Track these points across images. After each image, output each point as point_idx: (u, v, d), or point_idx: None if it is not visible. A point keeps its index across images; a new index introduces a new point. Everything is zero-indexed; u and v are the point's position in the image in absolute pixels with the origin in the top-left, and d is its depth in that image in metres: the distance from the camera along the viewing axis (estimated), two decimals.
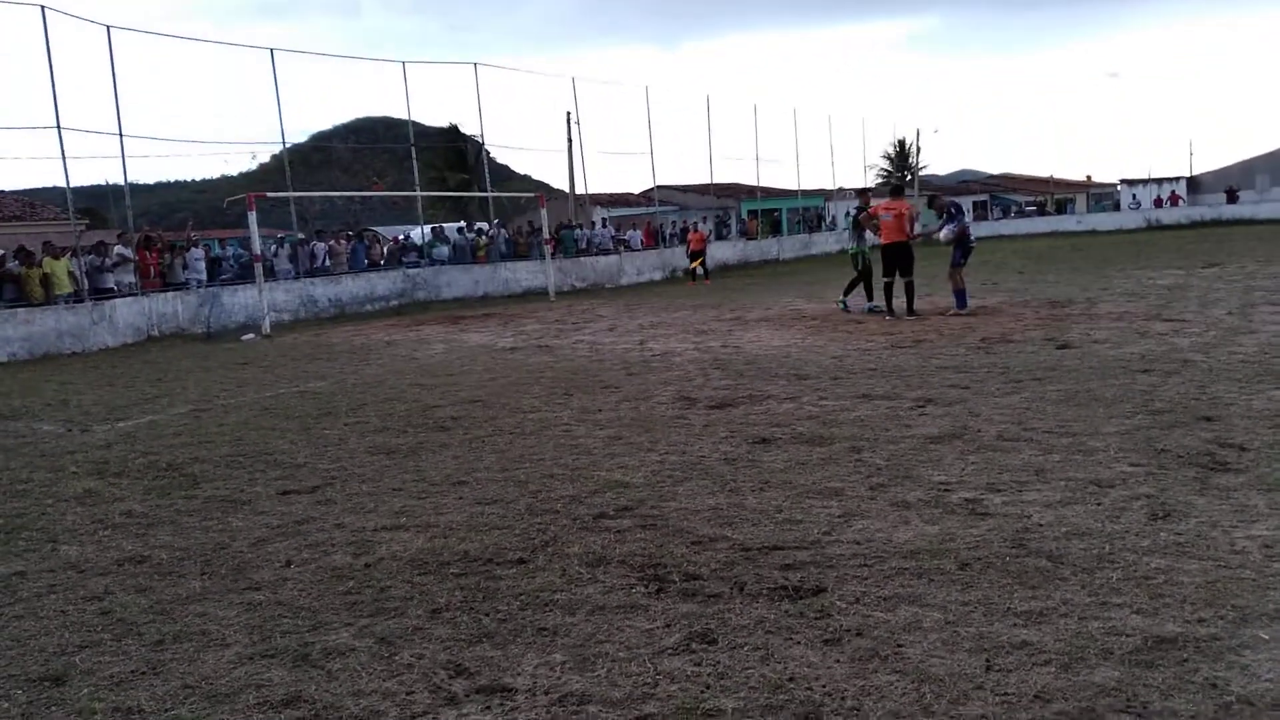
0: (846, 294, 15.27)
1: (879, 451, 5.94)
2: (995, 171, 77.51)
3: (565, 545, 4.48)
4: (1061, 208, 56.00)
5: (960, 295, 13.63)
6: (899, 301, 13.58)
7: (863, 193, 17.06)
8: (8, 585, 4.43)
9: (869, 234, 14.66)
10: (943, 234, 13.86)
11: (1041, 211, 54.25)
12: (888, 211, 13.77)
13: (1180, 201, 49.88)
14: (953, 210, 14.22)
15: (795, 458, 5.92)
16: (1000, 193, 64.75)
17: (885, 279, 13.74)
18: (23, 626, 3.90)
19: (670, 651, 3.31)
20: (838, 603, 3.64)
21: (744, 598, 3.75)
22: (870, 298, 14.79)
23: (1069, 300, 14.43)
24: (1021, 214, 54.81)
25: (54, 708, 3.16)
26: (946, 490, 5.03)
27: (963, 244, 13.78)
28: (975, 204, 59.62)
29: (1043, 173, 70.07)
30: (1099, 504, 4.65)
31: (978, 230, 41.89)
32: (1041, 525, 4.39)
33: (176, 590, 4.26)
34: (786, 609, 3.61)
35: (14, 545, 5.09)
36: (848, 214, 46.94)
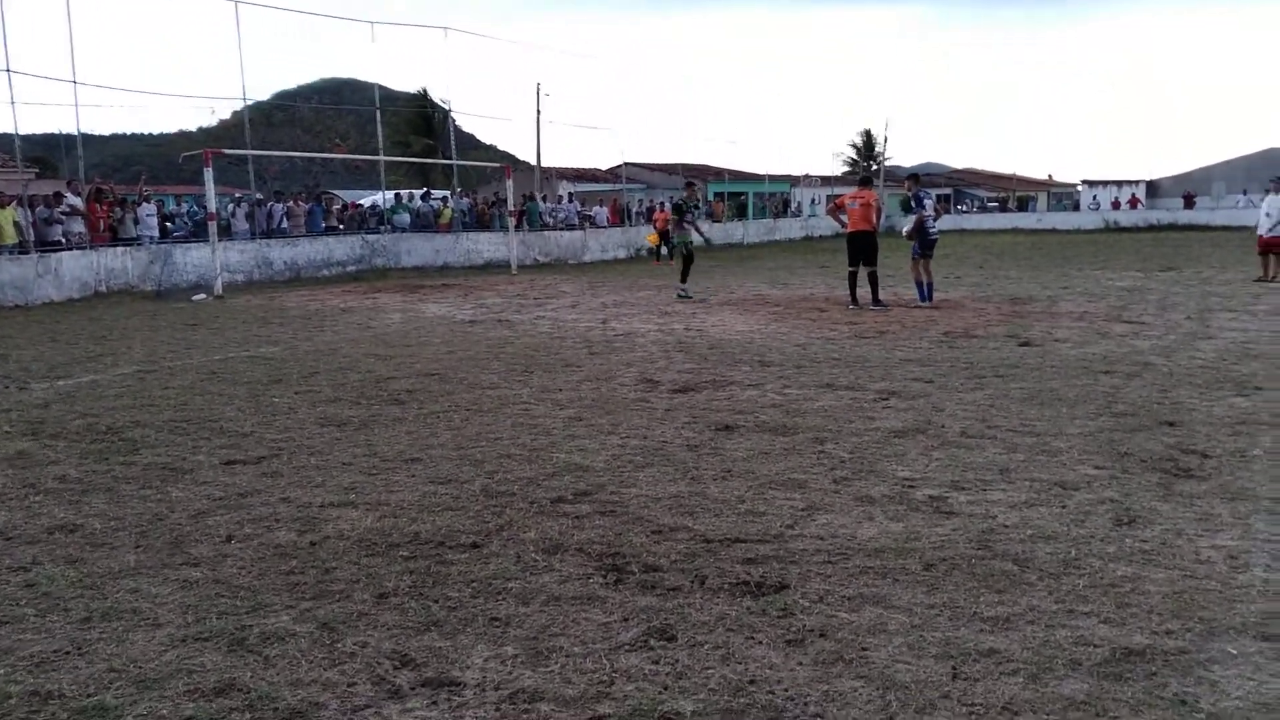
0: (684, 280, 16.02)
1: (843, 443, 5.86)
2: (959, 166, 78.09)
3: (521, 530, 4.33)
4: (1023, 205, 56.54)
5: (920, 287, 13.61)
6: (863, 291, 13.54)
7: (690, 185, 18.03)
8: None
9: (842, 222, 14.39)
10: (904, 229, 13.83)
11: (1003, 208, 54.73)
12: (855, 200, 13.66)
13: (1139, 204, 50.60)
14: (913, 202, 14.05)
15: (758, 447, 5.81)
16: (963, 187, 65.25)
17: (850, 268, 13.69)
18: None
19: (627, 648, 3.18)
20: (801, 601, 3.53)
21: (705, 592, 3.63)
22: (684, 282, 15.93)
23: (1030, 297, 14.50)
24: (984, 209, 55.25)
25: None
26: (911, 486, 4.95)
27: (922, 235, 13.71)
28: (939, 197, 60.09)
29: (1006, 169, 70.75)
30: (1064, 507, 4.59)
31: (941, 224, 42.31)
32: (1007, 527, 4.32)
33: (108, 563, 4.04)
34: (748, 606, 3.50)
35: None
36: (815, 201, 47.03)
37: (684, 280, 16.05)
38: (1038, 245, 31.90)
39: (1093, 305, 13.28)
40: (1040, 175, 71.93)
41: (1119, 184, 55.44)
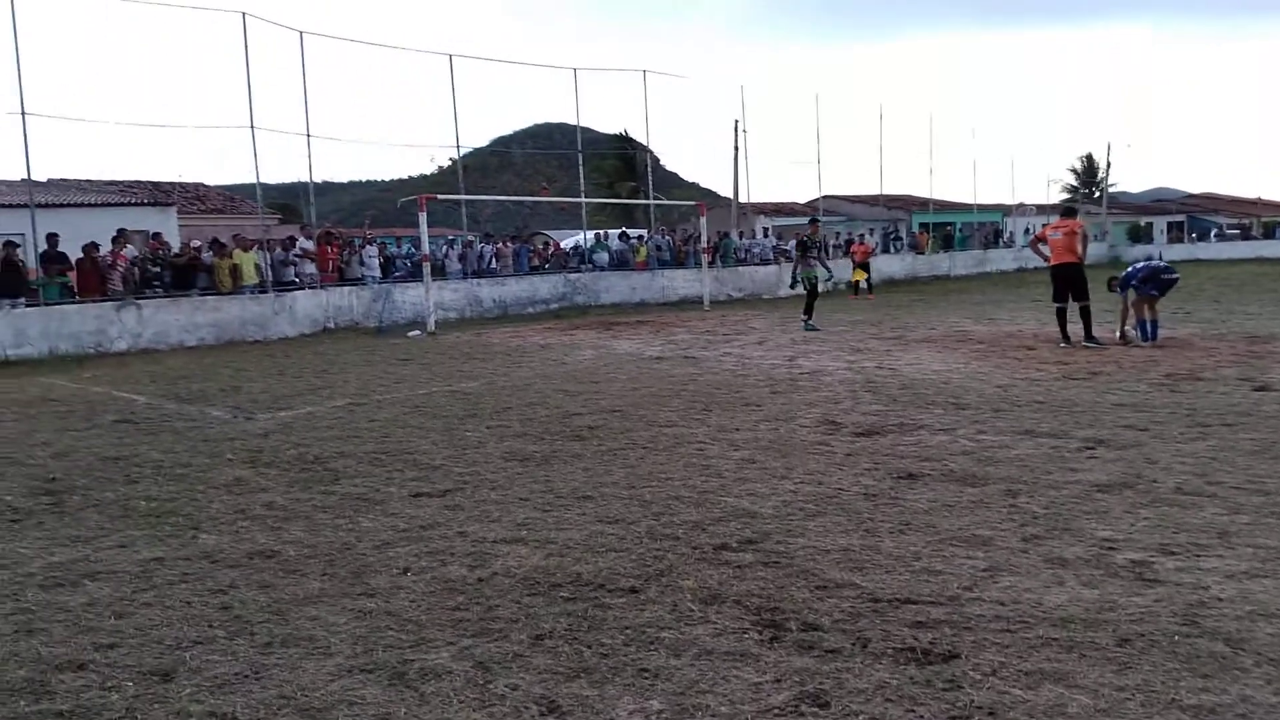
0: (808, 314, 16.56)
1: (1037, 497, 5.43)
2: (1195, 190, 71.93)
3: (681, 577, 4.27)
4: (1270, 232, 51.31)
5: (1145, 325, 12.54)
6: (1073, 327, 12.64)
7: (814, 223, 19.07)
8: (145, 571, 4.61)
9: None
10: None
11: (1245, 235, 49.90)
12: (1057, 230, 12.81)
13: None
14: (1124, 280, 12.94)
15: (942, 498, 5.49)
16: (1199, 214, 60.08)
17: (1057, 303, 12.83)
18: (149, 615, 4.02)
19: (777, 712, 3.04)
20: (971, 673, 3.27)
21: (866, 656, 3.43)
22: (809, 316, 16.54)
23: (1271, 335, 13.06)
24: (1222, 237, 50.59)
25: (156, 705, 3.19)
26: (1111, 549, 4.51)
27: (1155, 280, 12.60)
28: (1170, 225, 55.63)
29: (1250, 193, 64.59)
30: None
31: (1170, 254, 39.03)
32: (1221, 600, 3.84)
33: (295, 590, 4.31)
34: (912, 674, 3.27)
35: (160, 530, 5.32)
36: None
37: (809, 314, 16.62)
38: None
39: None
40: None
41: None
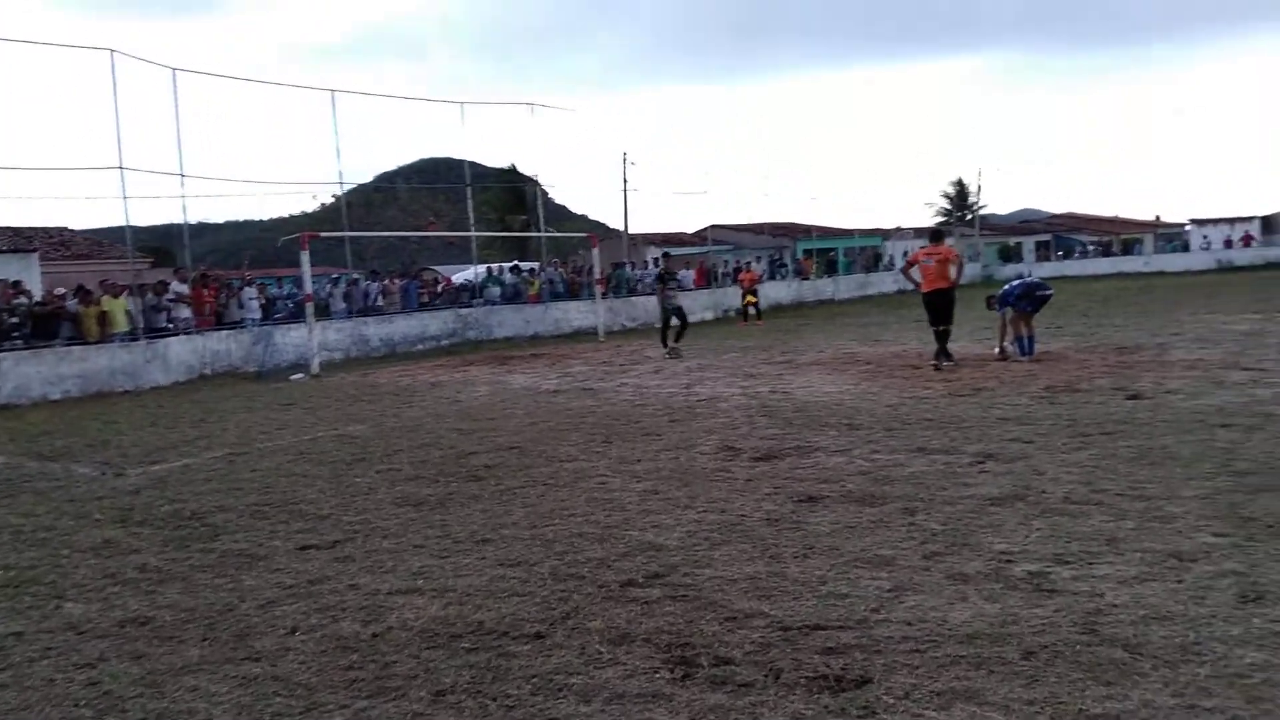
0: (666, 340, 17.63)
1: (934, 514, 5.51)
2: (1058, 211, 75.84)
3: (587, 618, 4.13)
4: (1128, 248, 54.50)
5: (1022, 341, 12.99)
6: (952, 347, 12.94)
7: (667, 256, 21.27)
8: (1, 648, 4.21)
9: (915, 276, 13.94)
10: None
11: (1106, 252, 52.86)
12: (930, 257, 12.80)
13: (1253, 242, 48.25)
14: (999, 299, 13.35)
15: (843, 519, 5.50)
16: (1063, 233, 63.35)
17: (935, 327, 12.87)
18: (5, 698, 3.66)
19: None
20: (884, 697, 3.23)
21: (779, 688, 3.36)
22: (664, 344, 17.60)
23: (1138, 346, 13.77)
24: (1085, 255, 53.46)
25: None
26: (1008, 561, 4.59)
27: (1030, 297, 13.06)
28: (1038, 244, 58.40)
29: (1108, 212, 68.50)
30: (1180, 581, 4.17)
31: (1040, 271, 40.99)
32: (1116, 606, 3.93)
33: (172, 659, 3.99)
34: (826, 704, 3.21)
35: (19, 601, 4.89)
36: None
37: (678, 340, 17.68)
38: (1146, 289, 30.58)
39: (1207, 352, 12.50)
40: (1147, 217, 69.41)
41: (1231, 222, 53.05)
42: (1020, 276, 21.36)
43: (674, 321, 17.79)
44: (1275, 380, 9.70)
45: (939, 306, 12.72)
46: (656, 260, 35.67)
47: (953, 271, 12.75)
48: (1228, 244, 48.15)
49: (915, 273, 13.20)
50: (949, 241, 14.08)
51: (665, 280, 18.80)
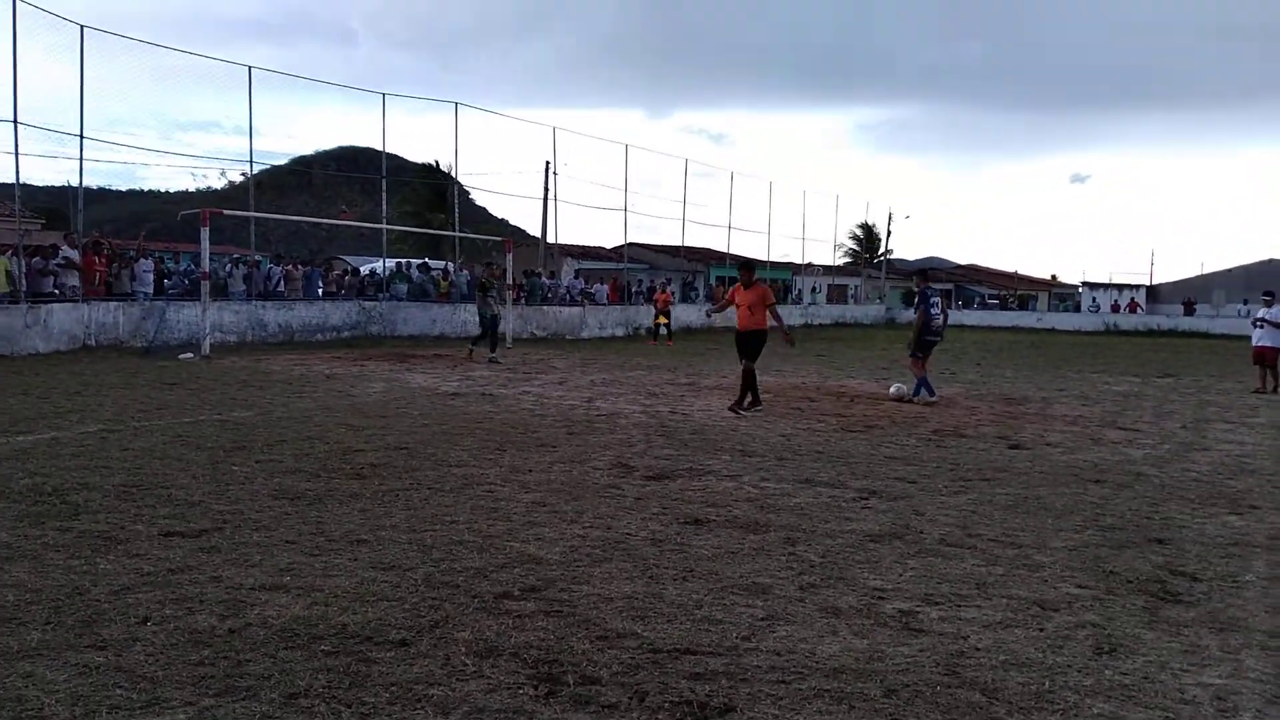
0: (475, 344, 18.64)
1: (815, 545, 5.57)
2: (962, 261, 78.62)
3: (456, 628, 4.03)
4: (1024, 304, 56.77)
5: (926, 384, 13.27)
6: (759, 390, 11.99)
7: (490, 266, 22.24)
8: None
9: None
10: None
11: (1004, 306, 54.95)
12: (746, 298, 11.72)
13: (1139, 309, 50.78)
14: (918, 299, 13.67)
15: (726, 545, 5.52)
16: (966, 283, 65.63)
17: (743, 362, 11.89)
18: None
19: None
20: None
21: (642, 711, 3.32)
22: (492, 349, 18.31)
23: (1024, 398, 14.28)
24: (984, 306, 55.46)
25: None
26: (881, 598, 4.66)
27: (920, 336, 13.33)
28: (941, 293, 60.33)
29: (1008, 268, 71.27)
30: (1041, 629, 4.30)
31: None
32: (979, 649, 4.02)
33: (10, 641, 3.75)
34: None
35: None
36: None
37: (477, 344, 18.70)
38: (1037, 345, 31.82)
39: (1087, 409, 13.05)
40: (1043, 275, 72.47)
41: (1120, 288, 55.79)
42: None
43: (500, 328, 19.20)
44: (1147, 441, 10.17)
45: (751, 347, 11.84)
46: (576, 272, 35.68)
47: (768, 316, 11.83)
48: (1115, 308, 50.56)
49: (729, 311, 12.45)
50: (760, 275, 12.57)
51: (485, 289, 19.38)
